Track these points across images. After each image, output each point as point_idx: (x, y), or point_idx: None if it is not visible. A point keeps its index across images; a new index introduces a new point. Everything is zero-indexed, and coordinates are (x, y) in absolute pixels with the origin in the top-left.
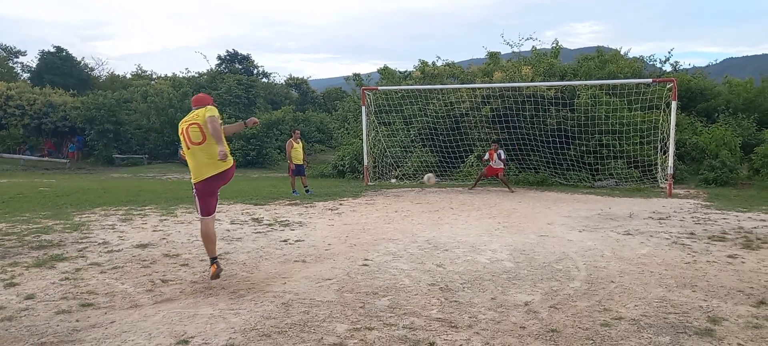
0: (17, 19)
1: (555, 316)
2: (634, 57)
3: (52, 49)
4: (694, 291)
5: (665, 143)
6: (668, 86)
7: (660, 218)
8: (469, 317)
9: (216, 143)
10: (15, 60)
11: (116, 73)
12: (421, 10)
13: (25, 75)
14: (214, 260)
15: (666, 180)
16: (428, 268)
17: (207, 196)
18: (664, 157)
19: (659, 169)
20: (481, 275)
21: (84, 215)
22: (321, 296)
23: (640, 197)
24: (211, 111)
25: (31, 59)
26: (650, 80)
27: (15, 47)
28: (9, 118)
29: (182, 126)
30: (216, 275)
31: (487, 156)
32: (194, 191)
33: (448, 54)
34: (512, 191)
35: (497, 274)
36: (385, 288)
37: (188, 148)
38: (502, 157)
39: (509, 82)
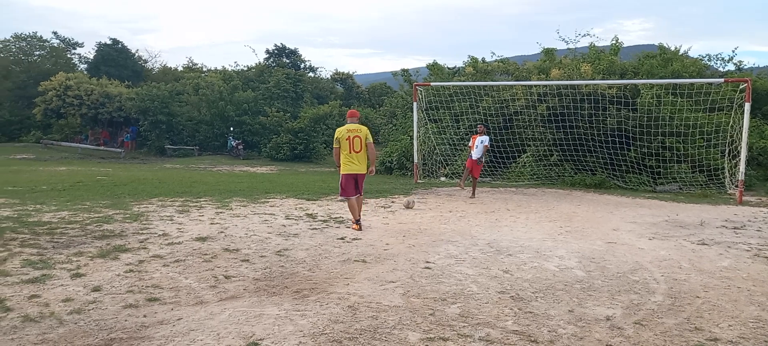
0: (71, 12)
1: (642, 334)
2: (696, 56)
3: (109, 42)
4: None
5: (735, 147)
6: (741, 87)
7: (734, 227)
8: (549, 331)
9: (368, 160)
10: (73, 51)
11: (168, 65)
12: (464, 6)
13: (83, 66)
14: (357, 220)
15: (736, 186)
16: (495, 273)
17: (351, 182)
18: (733, 161)
19: (727, 175)
20: (552, 284)
21: (142, 205)
22: (387, 299)
23: (708, 204)
24: (370, 136)
25: (88, 51)
26: (722, 80)
27: (73, 39)
28: (68, 108)
29: (346, 133)
30: (358, 229)
31: (470, 143)
32: (342, 178)
33: (495, 50)
34: (471, 196)
35: (569, 283)
36: (453, 294)
37: (349, 152)
38: (486, 143)
39: (568, 80)
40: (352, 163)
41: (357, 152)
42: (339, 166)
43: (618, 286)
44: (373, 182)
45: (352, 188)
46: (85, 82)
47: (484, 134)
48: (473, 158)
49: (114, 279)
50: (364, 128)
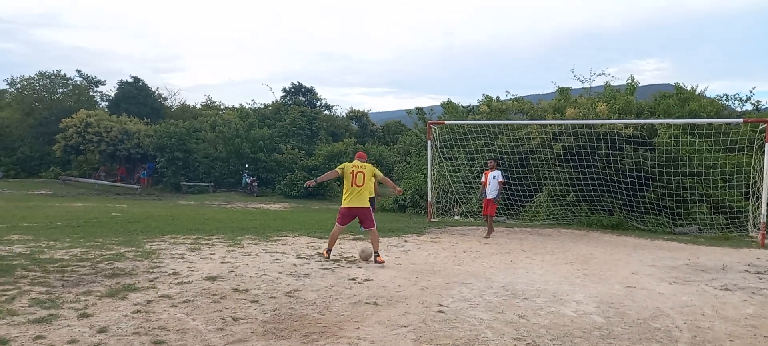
0: (97, 52)
1: None
2: (713, 96)
3: (130, 80)
4: None
5: (756, 188)
6: (762, 127)
7: (758, 272)
8: None
9: (369, 194)
10: (95, 89)
11: (187, 103)
12: (479, 47)
13: (104, 103)
14: (329, 250)
15: (758, 229)
16: (510, 319)
17: (347, 216)
18: (756, 203)
19: (751, 217)
20: (570, 331)
21: (154, 243)
22: (398, 345)
23: (730, 247)
24: (378, 174)
25: (110, 89)
26: (741, 120)
27: (95, 77)
28: (87, 144)
29: (351, 168)
30: (327, 258)
31: (482, 179)
32: (341, 211)
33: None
34: (487, 236)
35: (588, 330)
36: (466, 340)
37: (351, 185)
38: (500, 179)
39: (583, 119)
40: (352, 197)
41: (359, 186)
42: (316, 181)
43: (639, 333)
44: (387, 220)
45: (344, 220)
46: (105, 119)
47: (496, 169)
48: (489, 198)
49: (121, 320)
50: (370, 166)
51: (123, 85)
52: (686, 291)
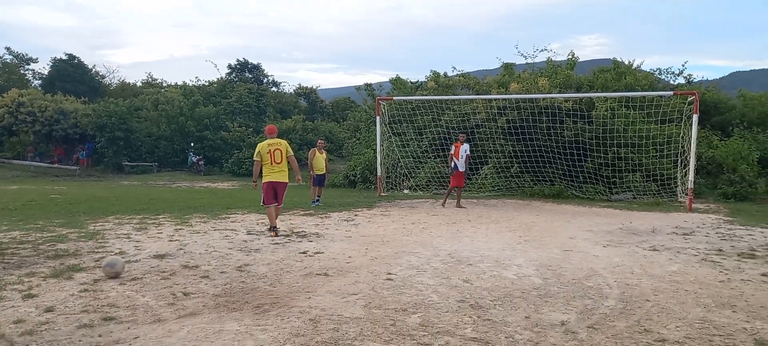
0: (24, 27)
1: (595, 337)
2: (648, 70)
3: (64, 57)
4: (734, 312)
5: (684, 157)
6: (690, 99)
7: (684, 234)
8: (506, 338)
9: (290, 170)
10: (27, 67)
11: (127, 81)
12: (427, 22)
13: (37, 82)
14: (273, 227)
15: (686, 194)
16: (455, 283)
17: (270, 190)
18: (684, 170)
19: (678, 183)
20: (510, 292)
21: (98, 224)
22: (348, 312)
23: (660, 212)
24: (290, 149)
25: (43, 66)
26: (671, 93)
27: (27, 54)
28: (20, 125)
29: (267, 147)
30: (275, 235)
31: (452, 150)
32: (263, 186)
33: (456, 65)
34: (459, 206)
35: (527, 291)
36: (413, 304)
37: (270, 163)
38: (468, 152)
39: (526, 94)
40: (273, 173)
41: (278, 163)
42: (255, 181)
43: (573, 292)
44: (337, 196)
45: (272, 197)
46: (39, 98)
47: (466, 142)
48: (461, 170)
49: (68, 299)
50: (284, 142)
51: (57, 63)
52: (618, 253)
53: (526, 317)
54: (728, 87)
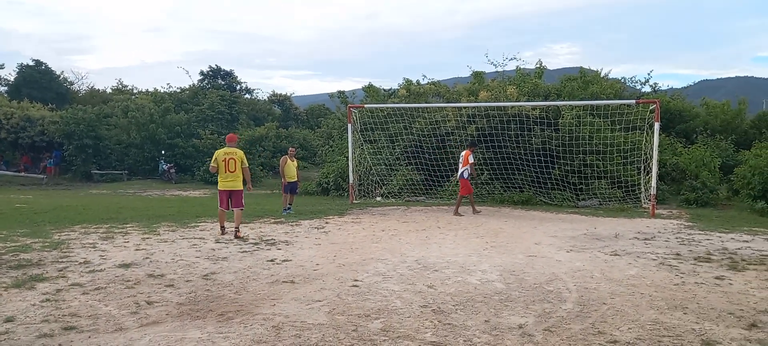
0: None
1: (550, 339)
2: (614, 78)
3: (31, 63)
4: (685, 313)
5: (648, 164)
6: (651, 108)
7: (645, 239)
8: (464, 341)
9: (242, 179)
10: None
11: (96, 87)
12: (402, 30)
13: (3, 88)
14: (222, 228)
15: (649, 200)
16: (419, 289)
17: (224, 196)
18: (647, 177)
19: (642, 190)
20: (472, 297)
21: (63, 233)
22: (312, 318)
23: (625, 217)
24: (245, 159)
25: (9, 72)
26: (634, 101)
27: None
28: None
29: (223, 155)
30: (222, 234)
31: (461, 157)
32: (219, 192)
33: (431, 73)
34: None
35: (489, 295)
36: (376, 310)
37: (225, 171)
38: (471, 160)
39: (494, 102)
40: (226, 181)
41: (232, 172)
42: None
43: (533, 296)
44: (309, 203)
45: (225, 202)
46: (5, 105)
47: (471, 151)
48: (465, 177)
49: (29, 309)
50: (240, 152)
51: (23, 69)
52: (580, 258)
53: (485, 320)
54: (696, 95)
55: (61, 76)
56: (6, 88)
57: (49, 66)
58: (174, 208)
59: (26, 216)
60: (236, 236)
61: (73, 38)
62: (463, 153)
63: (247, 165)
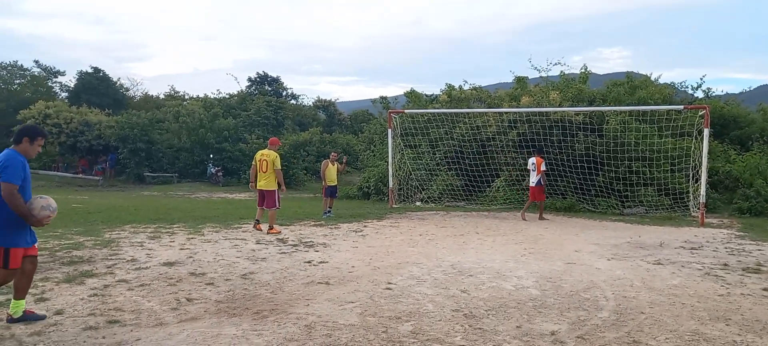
0: (55, 40)
1: None
2: (664, 83)
3: (90, 70)
4: (727, 325)
5: (697, 171)
6: (700, 113)
7: (692, 248)
8: (494, 345)
9: (275, 179)
10: (54, 80)
11: (150, 93)
12: (448, 36)
13: (64, 94)
14: (256, 221)
15: (698, 209)
16: (452, 293)
17: (259, 195)
18: (696, 185)
19: (691, 198)
20: (506, 302)
21: (114, 232)
22: (344, 319)
23: (671, 226)
24: (278, 162)
25: (70, 79)
26: (682, 107)
27: (54, 67)
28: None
29: (260, 156)
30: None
31: (533, 163)
32: (257, 192)
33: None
34: (543, 218)
35: (523, 301)
36: (408, 313)
37: (259, 171)
38: (543, 169)
39: (537, 107)
40: (260, 181)
41: (264, 172)
42: (253, 181)
43: (569, 303)
44: (349, 207)
45: (260, 199)
46: (65, 110)
47: (541, 158)
48: (542, 184)
49: (77, 303)
50: (274, 154)
51: (83, 76)
52: (621, 266)
53: (517, 326)
54: (754, 100)
55: (118, 82)
56: (66, 94)
57: (107, 73)
58: (219, 210)
59: (81, 216)
60: (268, 232)
61: (131, 46)
62: (533, 160)
63: (279, 167)
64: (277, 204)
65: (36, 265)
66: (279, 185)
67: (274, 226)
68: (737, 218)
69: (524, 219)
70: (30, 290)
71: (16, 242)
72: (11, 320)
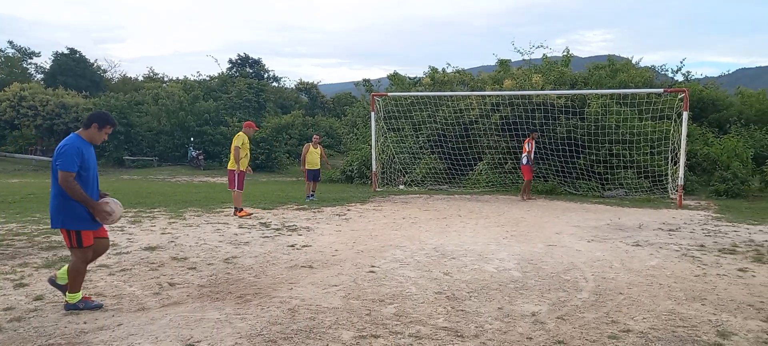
0: (32, 21)
1: (562, 327)
2: (645, 66)
3: (66, 51)
4: (703, 304)
5: (676, 154)
6: (680, 96)
7: (670, 230)
8: (476, 327)
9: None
10: (29, 61)
11: (128, 75)
12: (432, 18)
13: (39, 76)
14: (236, 208)
15: (676, 191)
16: (435, 276)
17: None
18: (674, 167)
19: (670, 180)
20: (488, 284)
21: None
22: (327, 302)
23: (650, 208)
24: (237, 140)
25: (45, 61)
26: (662, 90)
27: (29, 48)
28: (22, 119)
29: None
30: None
31: (525, 145)
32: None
33: (459, 61)
34: (524, 199)
35: (504, 283)
36: (391, 296)
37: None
38: (527, 148)
39: (519, 90)
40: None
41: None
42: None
43: (549, 285)
44: (333, 191)
45: (231, 181)
46: (41, 92)
47: (533, 140)
48: (525, 163)
49: (57, 289)
50: (240, 135)
51: (59, 57)
52: (601, 248)
53: (499, 308)
54: (733, 84)
55: (95, 64)
56: (42, 75)
57: (84, 54)
58: (201, 194)
59: None
60: (234, 215)
61: (110, 27)
62: (532, 141)
63: (238, 145)
64: (235, 185)
65: (107, 246)
66: (236, 163)
67: (241, 208)
68: (714, 200)
69: (524, 199)
70: (9, 276)
71: (86, 226)
72: (69, 307)
